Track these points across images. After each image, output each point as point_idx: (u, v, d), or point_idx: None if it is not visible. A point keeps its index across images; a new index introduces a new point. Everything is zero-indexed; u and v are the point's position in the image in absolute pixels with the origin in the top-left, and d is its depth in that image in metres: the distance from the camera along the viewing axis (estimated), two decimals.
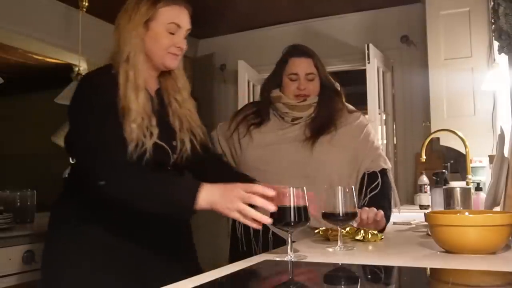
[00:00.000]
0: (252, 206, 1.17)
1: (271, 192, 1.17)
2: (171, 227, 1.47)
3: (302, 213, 1.15)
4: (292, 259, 1.14)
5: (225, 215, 1.21)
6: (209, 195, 1.19)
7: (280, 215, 1.15)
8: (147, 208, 1.25)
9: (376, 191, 1.76)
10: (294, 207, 1.15)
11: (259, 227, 1.18)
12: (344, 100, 1.94)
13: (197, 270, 1.44)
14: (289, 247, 1.16)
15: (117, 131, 1.29)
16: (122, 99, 1.33)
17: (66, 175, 3.18)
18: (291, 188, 1.16)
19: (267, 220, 1.15)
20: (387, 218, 1.67)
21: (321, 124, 1.82)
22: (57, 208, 1.48)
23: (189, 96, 1.52)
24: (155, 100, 1.42)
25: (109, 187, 1.25)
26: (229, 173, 1.62)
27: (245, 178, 1.55)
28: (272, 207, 1.15)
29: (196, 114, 1.52)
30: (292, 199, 1.15)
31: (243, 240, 1.82)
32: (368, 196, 1.76)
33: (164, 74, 1.49)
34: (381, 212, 1.56)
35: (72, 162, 3.42)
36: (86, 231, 1.38)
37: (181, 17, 1.42)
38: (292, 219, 1.14)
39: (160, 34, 1.39)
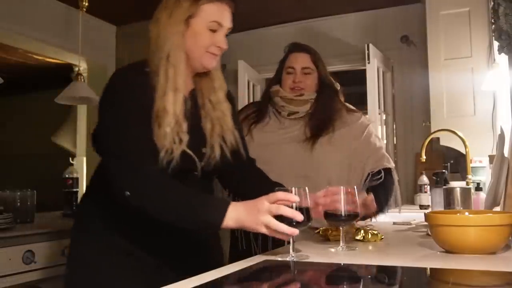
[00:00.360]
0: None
1: (295, 198, 1.14)
2: (198, 234, 1.42)
3: (305, 213, 1.14)
4: (294, 259, 1.14)
5: (254, 231, 1.18)
6: (236, 214, 1.16)
7: (283, 216, 1.13)
8: (172, 223, 1.21)
9: (377, 182, 1.77)
10: (296, 208, 1.14)
11: (287, 238, 1.16)
12: (343, 100, 1.95)
13: None
14: (291, 247, 1.16)
15: (148, 137, 1.24)
16: (158, 100, 1.26)
17: (67, 175, 3.19)
18: (294, 188, 1.16)
19: (295, 232, 1.12)
20: (381, 207, 1.67)
21: (320, 123, 1.83)
22: (82, 209, 1.45)
23: (224, 97, 1.43)
24: (188, 102, 1.34)
25: (135, 199, 1.20)
26: (262, 180, 1.54)
27: (278, 186, 1.51)
28: (300, 217, 1.12)
29: (229, 117, 1.43)
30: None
31: (243, 239, 1.82)
32: (368, 185, 1.77)
33: (200, 73, 1.41)
34: (371, 197, 1.56)
35: (71, 163, 3.41)
36: (112, 236, 1.34)
37: (224, 15, 1.34)
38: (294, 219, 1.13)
39: (200, 32, 1.32)
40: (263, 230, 1.14)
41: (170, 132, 1.25)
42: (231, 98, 1.50)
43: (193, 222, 1.20)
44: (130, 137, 1.23)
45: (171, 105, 1.26)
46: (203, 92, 1.41)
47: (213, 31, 1.33)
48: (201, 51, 1.33)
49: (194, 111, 1.36)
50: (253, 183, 1.52)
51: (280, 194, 1.15)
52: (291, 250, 1.16)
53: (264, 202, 1.14)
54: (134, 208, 1.22)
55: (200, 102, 1.40)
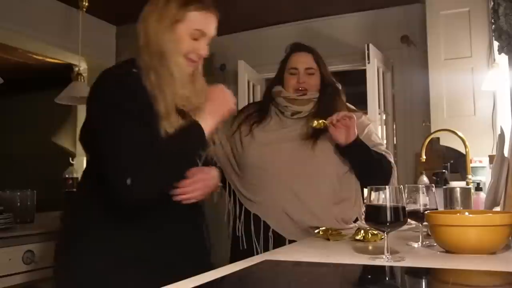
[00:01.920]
0: None
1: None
2: (188, 227, 1.44)
3: (400, 212, 1.11)
4: (390, 261, 1.09)
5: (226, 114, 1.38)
6: (209, 125, 1.33)
7: (376, 214, 1.11)
8: (175, 180, 1.30)
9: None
10: (390, 207, 1.10)
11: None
12: (345, 99, 1.95)
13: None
14: (385, 248, 1.11)
15: (146, 135, 1.26)
16: (161, 102, 1.29)
17: (67, 175, 3.19)
18: (388, 187, 1.11)
19: None
20: (364, 153, 1.77)
21: None
22: (73, 210, 1.43)
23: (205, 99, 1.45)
24: None
25: (137, 184, 1.21)
26: None
27: None
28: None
29: None
30: (388, 197, 1.11)
31: (244, 239, 1.82)
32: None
33: None
34: (354, 117, 1.66)
35: (71, 163, 3.41)
36: (106, 237, 1.33)
37: (209, 25, 1.38)
38: (388, 218, 1.10)
39: (182, 38, 1.34)
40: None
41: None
42: None
43: (189, 162, 1.34)
44: (133, 135, 1.25)
45: (172, 109, 1.32)
46: None
47: (195, 39, 1.36)
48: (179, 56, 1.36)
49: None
50: None
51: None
52: (385, 252, 1.11)
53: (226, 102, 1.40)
54: (136, 201, 1.24)
55: None
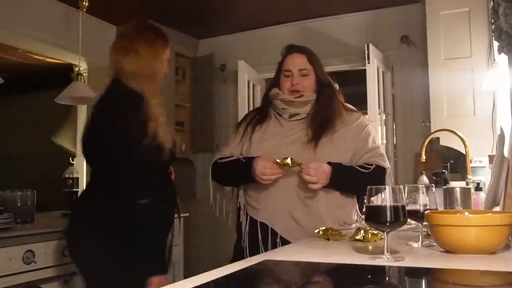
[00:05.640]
0: None
1: None
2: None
3: (400, 212, 1.11)
4: (390, 261, 1.09)
5: None
6: None
7: (376, 214, 1.11)
8: None
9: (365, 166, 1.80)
10: (390, 207, 1.10)
11: None
12: (342, 99, 1.95)
13: None
14: (385, 247, 1.11)
15: None
16: (159, 115, 1.75)
17: (67, 175, 3.19)
18: (388, 186, 1.12)
19: None
20: (348, 183, 1.77)
21: (321, 124, 1.83)
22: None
23: None
24: None
25: None
26: None
27: None
28: None
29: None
30: (388, 197, 1.11)
31: (248, 250, 1.80)
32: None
33: None
34: (311, 169, 1.68)
35: (71, 163, 3.42)
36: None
37: None
38: (388, 218, 1.10)
39: (165, 63, 1.90)
40: None
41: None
42: None
43: None
44: None
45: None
46: None
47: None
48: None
49: None
50: None
51: None
52: (385, 252, 1.12)
53: None
54: None
55: None
